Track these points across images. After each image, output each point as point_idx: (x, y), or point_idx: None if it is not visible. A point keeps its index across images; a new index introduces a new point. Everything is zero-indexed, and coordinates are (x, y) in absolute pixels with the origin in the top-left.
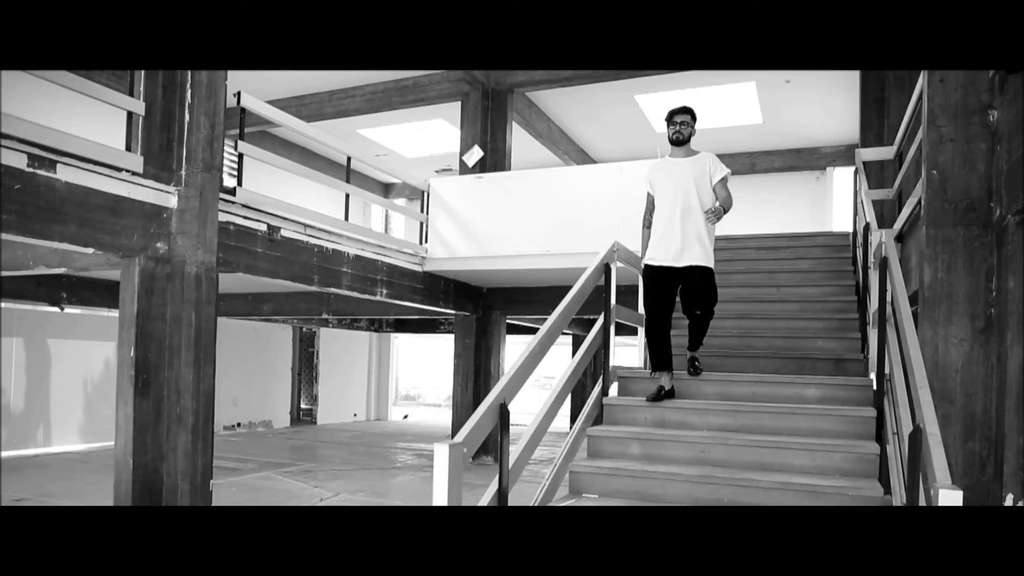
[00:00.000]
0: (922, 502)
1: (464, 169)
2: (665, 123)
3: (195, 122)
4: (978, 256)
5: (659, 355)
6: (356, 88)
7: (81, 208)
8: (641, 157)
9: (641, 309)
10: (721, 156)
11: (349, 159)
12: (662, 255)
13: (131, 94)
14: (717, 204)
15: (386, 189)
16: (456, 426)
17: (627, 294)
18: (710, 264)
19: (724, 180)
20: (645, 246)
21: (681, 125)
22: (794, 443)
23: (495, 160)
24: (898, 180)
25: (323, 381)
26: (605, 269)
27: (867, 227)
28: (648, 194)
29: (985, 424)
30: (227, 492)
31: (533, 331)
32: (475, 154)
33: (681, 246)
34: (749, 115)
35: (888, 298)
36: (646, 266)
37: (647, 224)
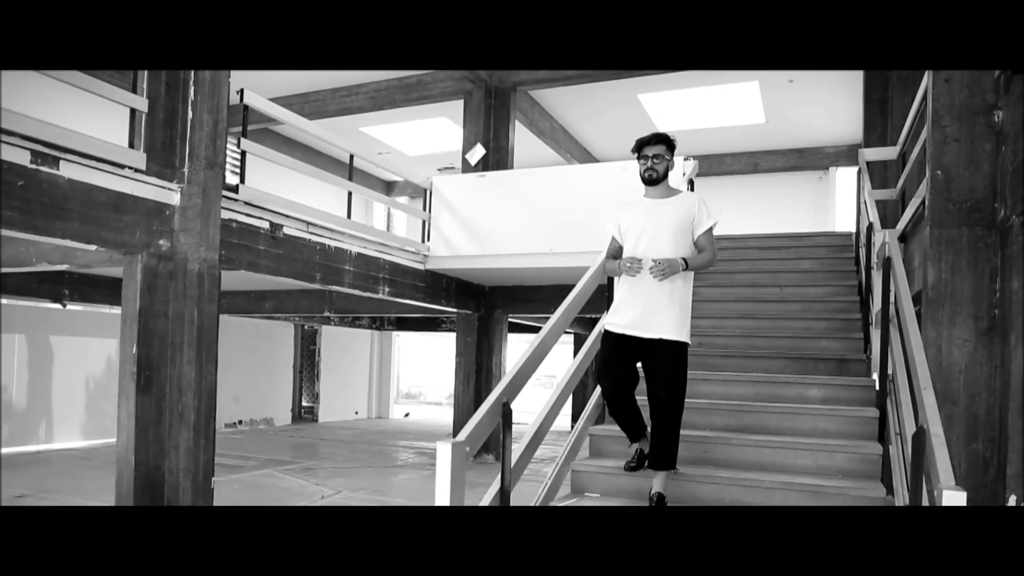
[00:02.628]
0: (925, 503)
1: (467, 167)
2: (634, 156)
3: (198, 119)
4: (982, 257)
5: (629, 427)
6: (359, 86)
7: (84, 205)
8: None
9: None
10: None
11: (352, 157)
12: (626, 320)
13: (134, 91)
14: (686, 258)
15: (388, 187)
16: (458, 425)
17: None
18: (684, 338)
19: (710, 231)
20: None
21: (654, 160)
22: (797, 443)
23: (498, 159)
24: (901, 180)
25: (325, 379)
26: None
27: (870, 227)
28: (612, 239)
29: (988, 425)
30: (229, 489)
31: (535, 330)
32: (478, 152)
33: (650, 311)
34: (752, 115)
35: (891, 298)
36: (605, 331)
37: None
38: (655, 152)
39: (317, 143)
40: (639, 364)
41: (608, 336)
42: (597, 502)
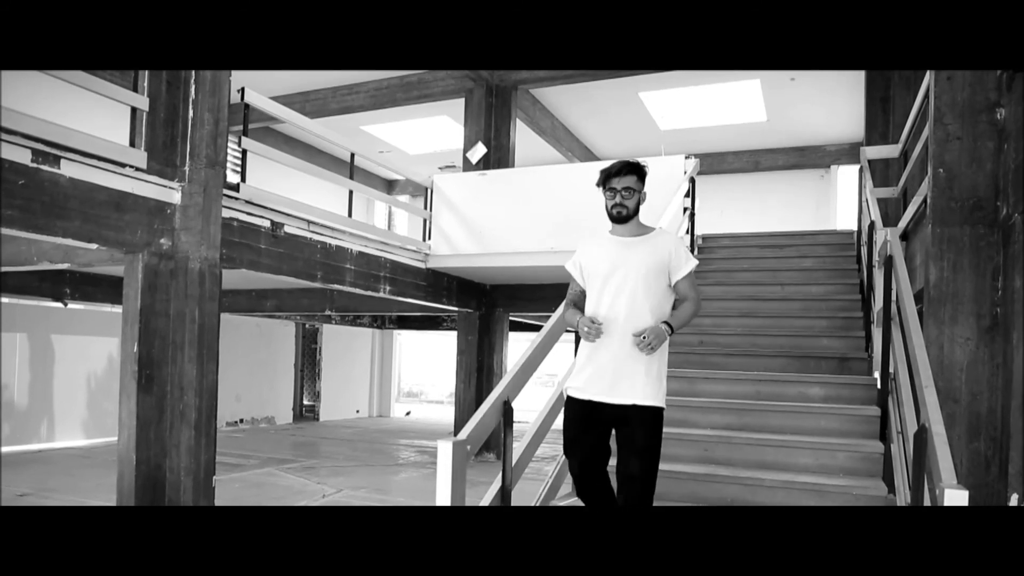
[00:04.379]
0: (926, 501)
1: (468, 166)
2: (600, 188)
3: (199, 118)
4: (984, 255)
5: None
6: (360, 84)
7: (85, 204)
8: (645, 154)
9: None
10: (725, 154)
11: (353, 155)
12: (590, 384)
13: (135, 90)
14: (667, 319)
15: (389, 186)
16: (459, 423)
17: None
18: (659, 403)
19: (691, 275)
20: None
21: (623, 193)
22: (798, 442)
23: (499, 157)
24: (903, 178)
25: (326, 377)
26: None
27: (872, 225)
28: (573, 281)
29: (990, 424)
30: (230, 488)
31: (536, 328)
32: (479, 151)
33: (619, 371)
34: (753, 113)
35: (893, 297)
36: (567, 398)
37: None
38: (625, 184)
39: (318, 142)
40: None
41: (571, 404)
42: None
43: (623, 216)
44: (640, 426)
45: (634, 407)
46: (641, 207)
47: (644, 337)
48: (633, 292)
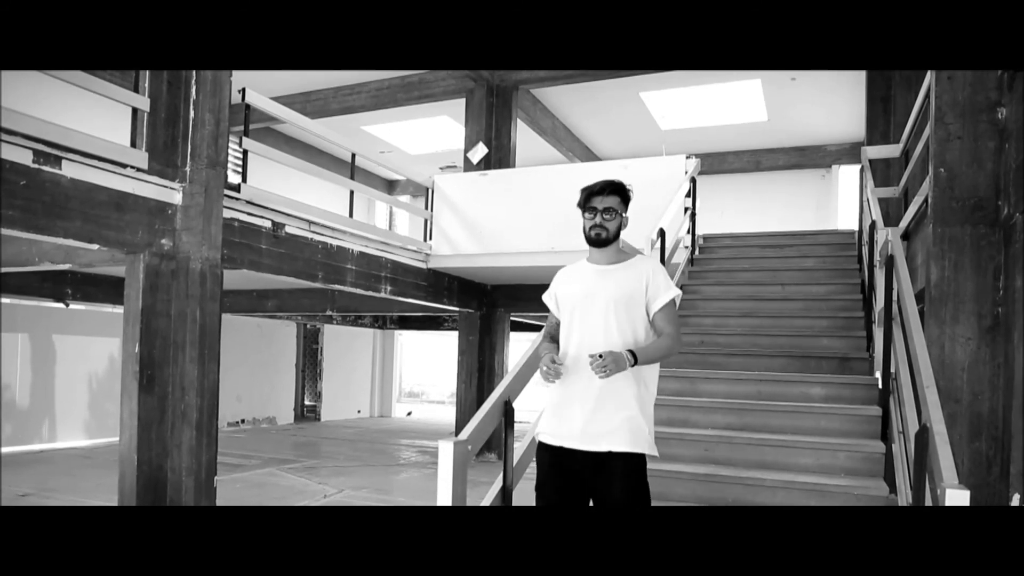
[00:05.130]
0: (928, 501)
1: (469, 166)
2: (579, 208)
3: (200, 118)
4: (985, 255)
5: None
6: (361, 85)
7: (86, 204)
8: (646, 154)
9: None
10: (726, 154)
11: (354, 156)
12: (562, 429)
13: (136, 90)
14: (634, 350)
15: (390, 186)
16: (460, 423)
17: None
18: (640, 448)
19: (670, 307)
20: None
21: (604, 215)
22: (799, 442)
23: (499, 157)
24: (904, 178)
25: (327, 378)
26: None
27: (873, 225)
28: (550, 316)
29: (992, 423)
30: (231, 488)
31: (537, 328)
32: (479, 151)
33: (595, 412)
34: (754, 112)
35: (894, 296)
36: (538, 444)
37: (549, 340)
38: (607, 204)
39: (319, 142)
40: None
41: (542, 451)
42: None
43: (602, 239)
44: (618, 478)
45: (610, 455)
46: (623, 232)
47: (600, 357)
48: (606, 324)
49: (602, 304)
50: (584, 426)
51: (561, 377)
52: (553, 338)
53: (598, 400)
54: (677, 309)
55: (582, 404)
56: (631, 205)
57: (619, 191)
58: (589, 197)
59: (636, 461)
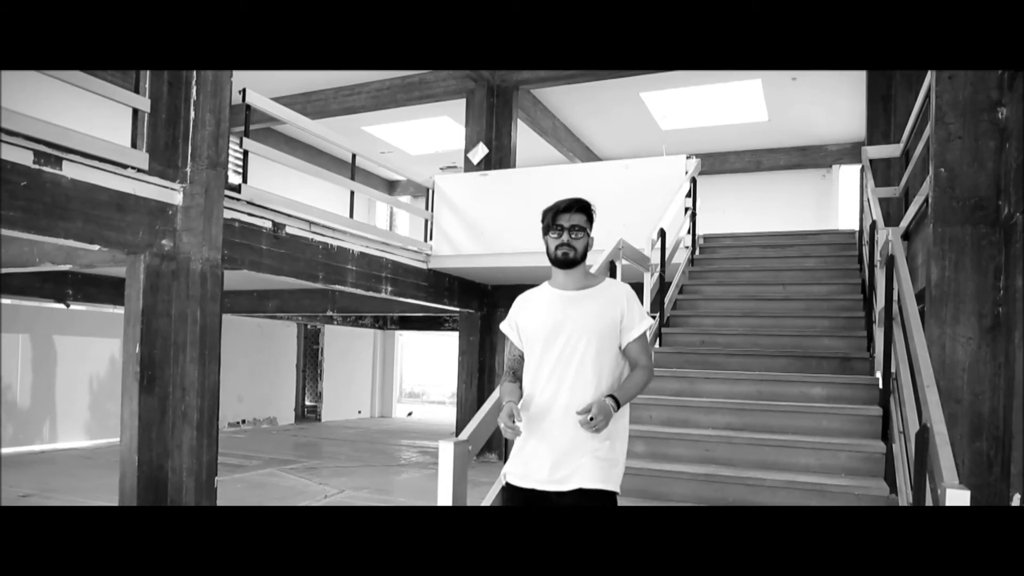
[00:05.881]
0: (928, 501)
1: (469, 166)
2: (543, 229)
3: (200, 119)
4: (986, 254)
5: None
6: (361, 85)
7: (87, 205)
8: (646, 154)
9: None
10: (726, 154)
11: (354, 156)
12: (530, 469)
13: (137, 91)
14: (612, 392)
15: (391, 186)
16: (461, 424)
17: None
18: (610, 486)
19: (643, 339)
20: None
21: (571, 233)
22: (800, 442)
23: (500, 157)
24: (905, 178)
25: (327, 378)
26: (610, 267)
27: (873, 225)
28: (511, 347)
29: (992, 423)
30: (232, 488)
31: None
32: (480, 151)
33: (561, 455)
34: (755, 112)
35: (895, 296)
36: (505, 486)
37: (510, 380)
38: (574, 222)
39: (319, 143)
40: None
41: (510, 492)
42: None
43: (569, 259)
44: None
45: (580, 492)
46: (588, 254)
47: (590, 416)
48: (581, 360)
49: (574, 338)
50: (553, 468)
51: (519, 435)
52: (516, 374)
53: (572, 441)
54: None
55: (552, 446)
56: (631, 206)
57: (585, 209)
58: (556, 214)
59: (609, 499)
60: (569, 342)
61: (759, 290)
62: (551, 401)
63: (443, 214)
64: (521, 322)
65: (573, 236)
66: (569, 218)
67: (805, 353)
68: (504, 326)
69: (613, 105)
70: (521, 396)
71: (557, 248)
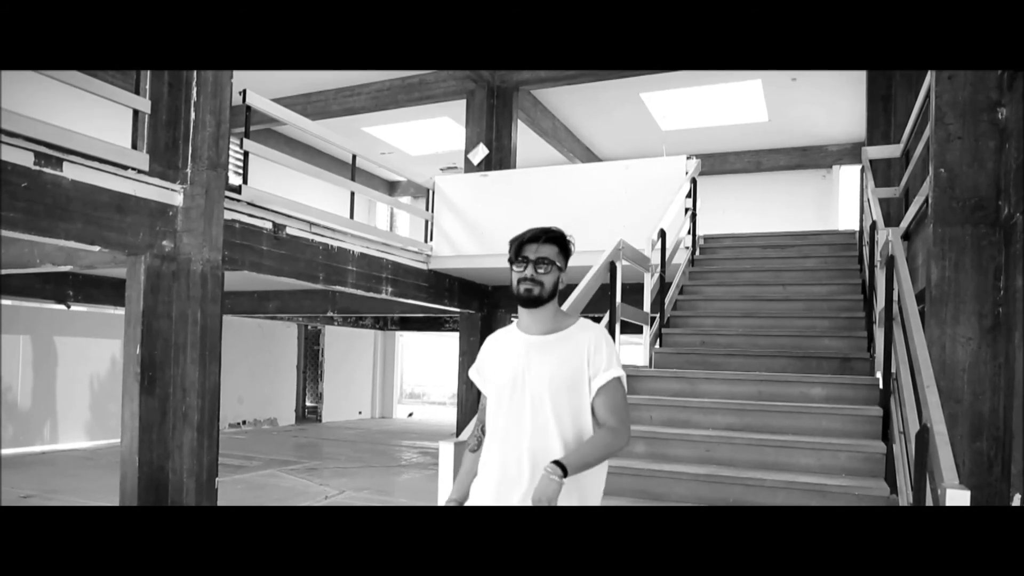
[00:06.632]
0: (929, 502)
1: (469, 167)
2: (508, 262)
3: (201, 120)
4: (986, 255)
5: None
6: (362, 86)
7: (87, 206)
8: (647, 155)
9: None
10: (727, 154)
11: (354, 157)
12: (491, 500)
13: (137, 92)
14: (560, 459)
15: (391, 187)
16: (461, 424)
17: (633, 292)
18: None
19: (615, 388)
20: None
21: (539, 267)
22: (800, 442)
23: (500, 158)
24: (905, 178)
25: (328, 379)
26: (611, 267)
27: (873, 225)
28: (481, 398)
29: (992, 424)
30: (232, 489)
31: None
32: (480, 152)
33: (531, 484)
34: (755, 113)
35: (895, 297)
36: None
37: (473, 447)
38: (542, 255)
39: (320, 143)
40: None
41: None
42: (600, 501)
43: (534, 297)
44: None
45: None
46: (560, 289)
47: (555, 471)
48: (545, 418)
49: (536, 392)
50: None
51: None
52: (485, 427)
53: (536, 495)
54: (626, 390)
55: (519, 470)
56: (632, 206)
57: (558, 241)
58: (520, 245)
59: None
60: (531, 396)
61: (759, 290)
62: (507, 443)
63: (443, 215)
64: (486, 371)
65: (539, 270)
66: (536, 249)
67: (805, 353)
68: (472, 373)
69: (613, 105)
70: (472, 481)
71: (519, 283)
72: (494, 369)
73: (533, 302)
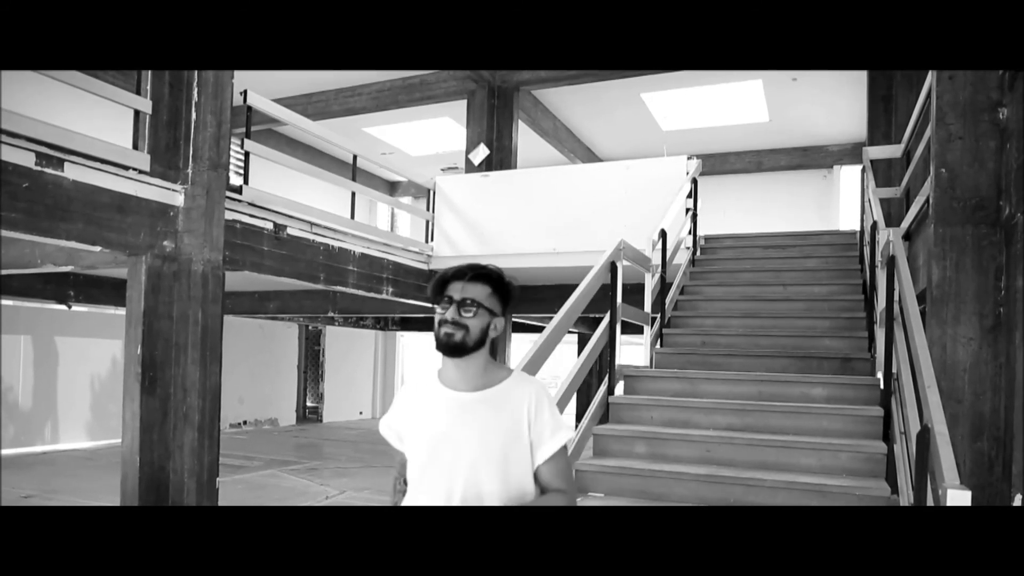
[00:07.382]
0: (929, 502)
1: (470, 167)
2: (431, 303)
3: (201, 120)
4: (987, 255)
5: None
6: (362, 86)
7: (88, 206)
8: (647, 155)
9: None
10: (727, 155)
11: (355, 157)
12: None
13: (138, 92)
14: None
15: (392, 187)
16: None
17: (633, 293)
18: None
19: (561, 456)
20: None
21: (464, 309)
22: (800, 442)
23: (501, 158)
24: (906, 178)
25: (329, 379)
26: (611, 268)
27: (874, 225)
28: (399, 456)
29: (993, 424)
30: (233, 490)
31: (539, 330)
32: (481, 152)
33: None
34: (755, 113)
35: (896, 297)
36: None
37: (399, 503)
38: (468, 295)
39: (320, 144)
40: None
41: None
42: (601, 501)
43: (455, 344)
44: None
45: None
46: (491, 339)
47: None
48: (476, 491)
49: (469, 460)
50: None
51: None
52: (404, 483)
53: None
54: (569, 454)
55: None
56: (632, 206)
57: (491, 281)
58: (444, 283)
59: None
60: (464, 466)
61: (760, 291)
62: (448, 467)
63: (444, 215)
64: (403, 426)
65: (464, 313)
66: (462, 289)
67: (806, 354)
68: (383, 429)
69: (614, 106)
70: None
71: (440, 326)
72: (412, 431)
73: (454, 349)
